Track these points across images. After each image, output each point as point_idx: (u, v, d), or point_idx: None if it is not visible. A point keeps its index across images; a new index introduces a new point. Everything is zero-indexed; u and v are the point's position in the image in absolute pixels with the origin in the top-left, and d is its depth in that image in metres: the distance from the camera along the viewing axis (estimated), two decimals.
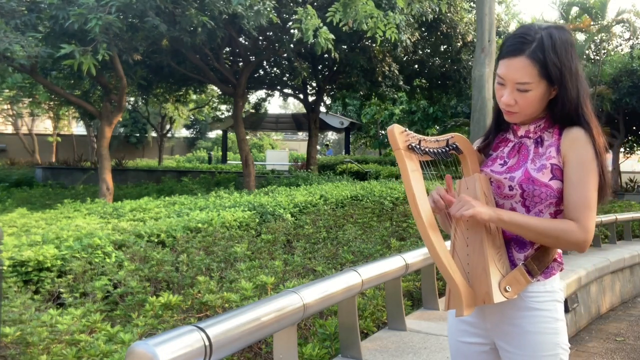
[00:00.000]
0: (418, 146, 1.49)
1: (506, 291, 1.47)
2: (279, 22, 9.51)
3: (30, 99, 20.04)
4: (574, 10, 19.30)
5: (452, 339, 1.69)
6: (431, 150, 1.52)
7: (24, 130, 29.12)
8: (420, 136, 1.51)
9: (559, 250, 1.58)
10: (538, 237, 1.48)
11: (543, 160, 1.51)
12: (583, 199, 1.45)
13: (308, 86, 16.65)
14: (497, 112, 1.62)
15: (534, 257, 1.52)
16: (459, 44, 14.19)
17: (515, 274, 1.50)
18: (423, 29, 13.31)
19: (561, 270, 1.58)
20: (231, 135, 28.00)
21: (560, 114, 1.50)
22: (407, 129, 1.49)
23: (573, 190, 1.47)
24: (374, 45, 12.28)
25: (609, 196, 1.53)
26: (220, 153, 28.22)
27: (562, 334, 1.52)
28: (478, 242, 1.52)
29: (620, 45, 21.70)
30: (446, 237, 1.80)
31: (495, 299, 1.45)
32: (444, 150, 1.56)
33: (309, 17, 8.31)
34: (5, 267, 3.79)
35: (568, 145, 1.49)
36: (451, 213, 1.49)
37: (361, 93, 15.64)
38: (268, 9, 8.46)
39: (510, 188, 1.54)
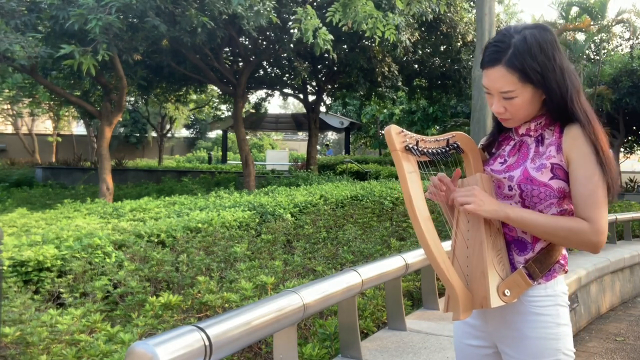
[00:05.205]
0: (415, 147, 1.46)
1: (504, 295, 1.45)
2: (278, 22, 9.51)
3: (30, 99, 20.04)
4: (574, 10, 19.28)
5: (457, 340, 1.67)
6: (429, 150, 1.50)
7: (24, 130, 29.13)
8: (419, 136, 1.48)
9: (564, 252, 1.54)
10: (547, 235, 1.44)
11: (543, 160, 1.48)
12: (590, 197, 1.41)
13: (308, 86, 16.64)
14: None
15: (535, 259, 1.49)
16: (459, 44, 14.18)
17: (515, 277, 1.47)
18: (423, 29, 13.29)
19: (565, 272, 1.54)
20: (231, 135, 28.00)
21: (552, 111, 1.48)
22: (404, 130, 1.45)
23: (579, 188, 1.42)
24: (374, 45, 12.28)
25: (617, 191, 1.48)
26: (220, 153, 28.22)
27: (564, 339, 1.48)
28: (478, 244, 1.49)
29: (620, 45, 21.74)
30: (444, 237, 1.78)
31: (493, 304, 1.43)
32: (443, 150, 1.53)
33: (309, 17, 8.31)
34: (5, 267, 3.79)
35: (570, 144, 1.45)
36: (452, 197, 1.47)
37: (361, 93, 15.64)
38: (268, 9, 8.47)
39: (510, 188, 1.51)
